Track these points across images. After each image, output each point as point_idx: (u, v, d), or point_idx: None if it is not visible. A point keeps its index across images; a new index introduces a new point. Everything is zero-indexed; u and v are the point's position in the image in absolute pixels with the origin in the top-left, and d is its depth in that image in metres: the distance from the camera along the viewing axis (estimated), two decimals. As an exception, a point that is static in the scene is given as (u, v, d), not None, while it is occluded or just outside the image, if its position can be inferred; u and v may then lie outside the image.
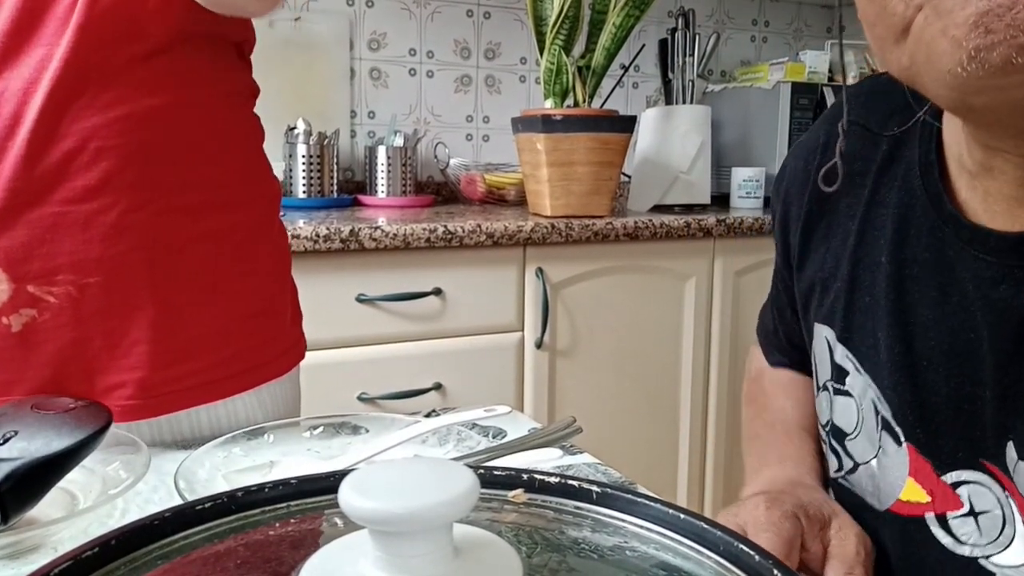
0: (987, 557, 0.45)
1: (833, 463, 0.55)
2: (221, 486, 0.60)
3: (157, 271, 0.71)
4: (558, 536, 0.32)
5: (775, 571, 0.28)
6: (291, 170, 1.94)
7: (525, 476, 0.36)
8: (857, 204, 0.52)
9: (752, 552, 0.29)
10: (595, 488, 0.34)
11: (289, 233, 1.48)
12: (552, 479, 0.35)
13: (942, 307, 0.46)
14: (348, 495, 0.24)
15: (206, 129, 0.75)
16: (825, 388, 0.55)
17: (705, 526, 0.31)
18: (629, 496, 0.34)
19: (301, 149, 1.93)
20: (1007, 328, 0.43)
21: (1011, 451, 0.43)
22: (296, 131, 1.93)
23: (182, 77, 0.73)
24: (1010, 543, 0.44)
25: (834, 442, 0.54)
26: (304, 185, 1.94)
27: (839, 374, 0.53)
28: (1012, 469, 0.43)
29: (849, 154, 0.53)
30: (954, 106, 0.40)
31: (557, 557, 0.29)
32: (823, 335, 0.54)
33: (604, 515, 0.33)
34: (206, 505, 0.33)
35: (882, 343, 0.49)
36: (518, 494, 0.36)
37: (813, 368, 0.57)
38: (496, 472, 0.36)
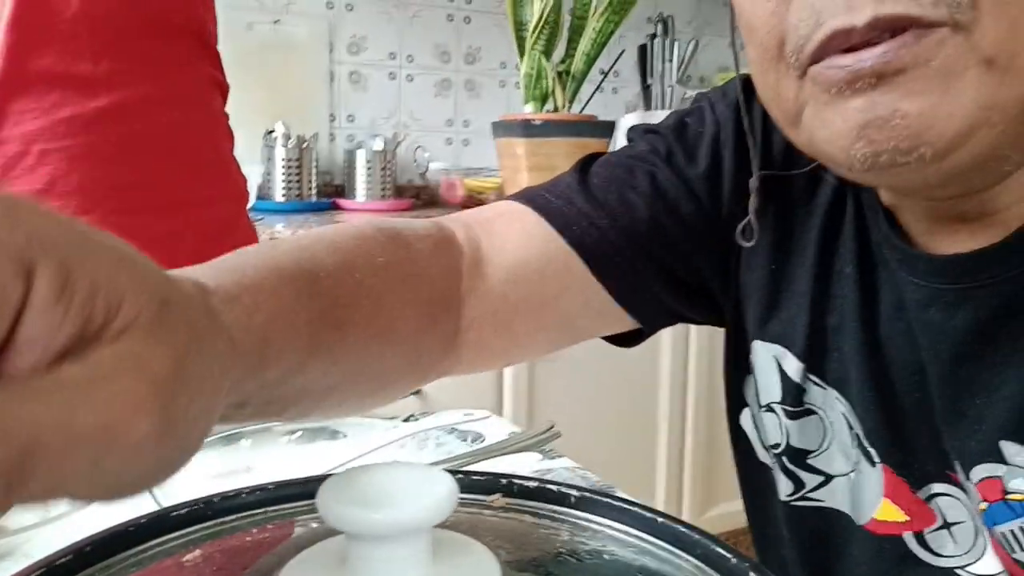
0: (964, 567, 0.45)
1: (786, 486, 0.53)
2: (197, 491, 0.60)
3: None
4: (537, 541, 0.32)
5: (751, 573, 0.29)
6: (270, 174, 1.93)
7: (503, 481, 0.36)
8: (812, 217, 0.51)
9: (729, 555, 0.29)
10: (573, 492, 0.34)
11: (267, 236, 1.47)
12: (530, 484, 0.35)
13: (896, 324, 0.46)
14: (327, 501, 0.24)
15: (158, 127, 0.74)
16: (770, 409, 0.53)
17: (682, 529, 0.31)
18: (607, 500, 0.34)
19: (280, 152, 1.92)
20: (942, 349, 0.43)
21: (958, 467, 0.43)
22: (274, 134, 1.92)
23: (130, 75, 0.71)
24: (984, 552, 0.44)
25: (790, 464, 0.52)
26: (283, 189, 1.93)
27: (796, 393, 0.51)
28: (964, 485, 0.44)
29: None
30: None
31: (536, 562, 0.30)
32: (771, 354, 0.52)
33: (582, 519, 0.33)
34: (182, 511, 0.32)
35: (850, 362, 0.48)
36: (496, 499, 0.36)
37: (745, 384, 0.55)
38: (475, 476, 0.36)
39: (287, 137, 1.92)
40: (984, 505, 0.43)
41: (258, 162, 1.90)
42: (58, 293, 0.19)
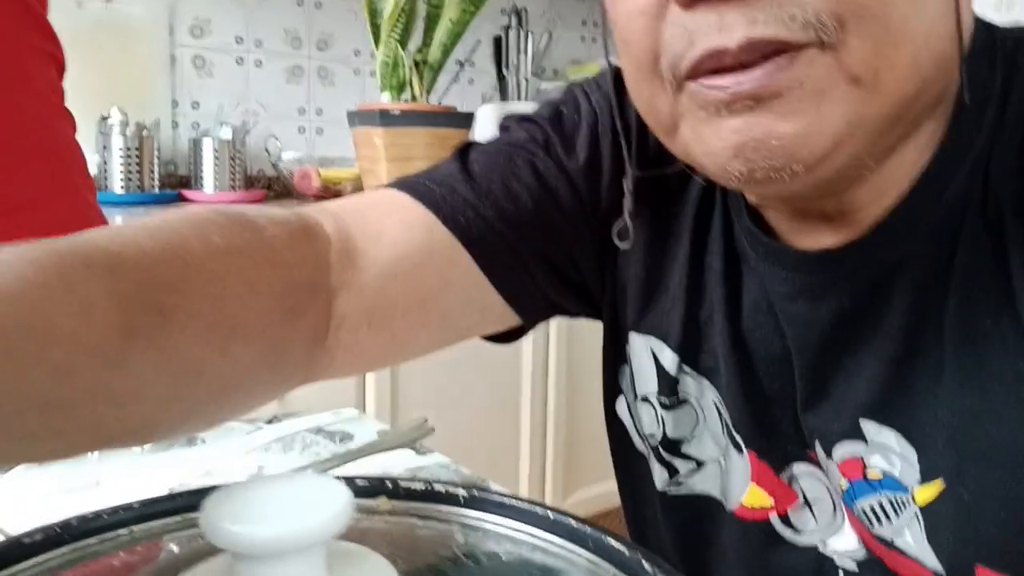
0: (824, 543, 0.48)
1: (661, 474, 0.54)
2: (45, 512, 0.55)
3: None
4: (430, 545, 0.31)
5: (644, 562, 0.29)
6: (107, 163, 1.80)
7: (389, 484, 0.35)
8: (684, 213, 0.52)
9: (622, 547, 0.29)
10: (462, 492, 0.34)
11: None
12: (418, 485, 0.34)
13: (757, 317, 0.48)
14: (213, 518, 0.22)
15: None
16: (646, 400, 0.54)
17: (574, 524, 0.31)
18: (497, 499, 0.33)
19: (117, 141, 1.79)
20: (808, 338, 0.45)
21: (819, 448, 0.46)
22: (111, 121, 1.79)
23: None
24: (842, 528, 0.47)
25: (666, 454, 0.53)
26: (122, 180, 1.80)
27: (671, 383, 0.52)
28: (824, 465, 0.46)
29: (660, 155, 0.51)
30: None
31: (433, 568, 0.29)
32: (648, 346, 0.53)
33: (473, 519, 0.33)
34: (36, 537, 0.29)
35: (718, 353, 0.49)
36: (383, 502, 0.35)
37: (621, 374, 0.56)
38: (358, 481, 0.35)
39: (125, 124, 1.80)
40: (845, 483, 0.45)
41: (92, 151, 1.77)
42: None
